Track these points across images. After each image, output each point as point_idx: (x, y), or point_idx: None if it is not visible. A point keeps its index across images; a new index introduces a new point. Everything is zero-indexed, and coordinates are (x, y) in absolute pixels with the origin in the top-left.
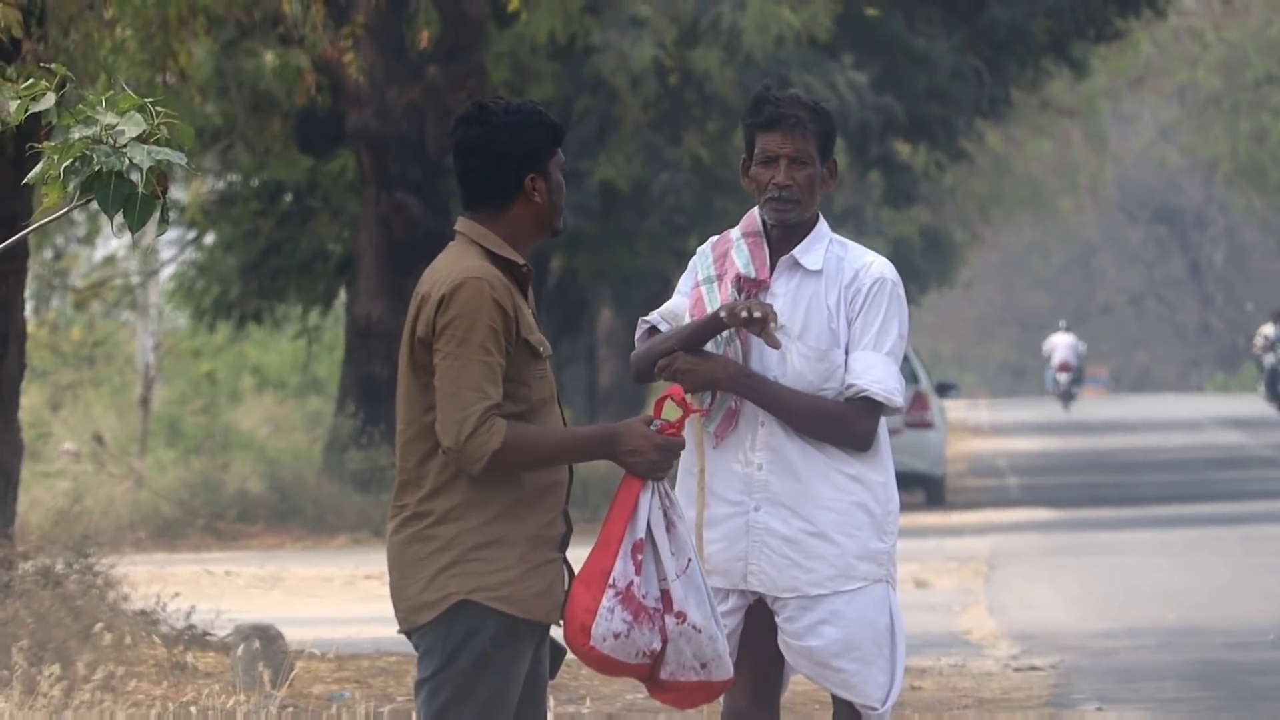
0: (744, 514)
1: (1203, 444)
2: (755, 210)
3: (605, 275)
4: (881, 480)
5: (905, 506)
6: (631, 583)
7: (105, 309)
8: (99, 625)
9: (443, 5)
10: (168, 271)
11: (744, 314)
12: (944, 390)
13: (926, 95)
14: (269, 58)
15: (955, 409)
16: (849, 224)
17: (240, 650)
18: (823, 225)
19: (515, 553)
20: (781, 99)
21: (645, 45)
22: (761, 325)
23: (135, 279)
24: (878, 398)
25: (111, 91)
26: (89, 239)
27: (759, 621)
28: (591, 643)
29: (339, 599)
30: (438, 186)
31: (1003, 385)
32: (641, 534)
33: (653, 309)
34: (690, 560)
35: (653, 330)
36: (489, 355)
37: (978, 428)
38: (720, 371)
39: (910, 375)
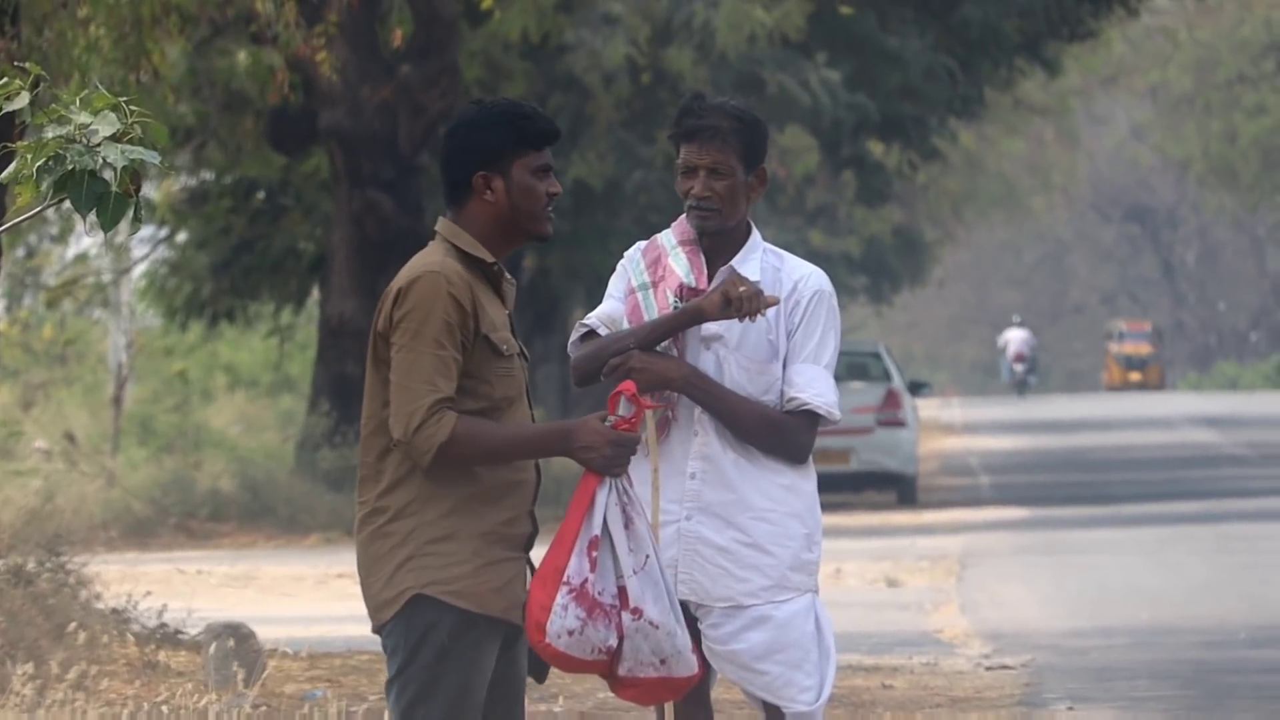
0: (675, 522)
1: (1175, 442)
2: (685, 218)
3: (578, 274)
4: (811, 490)
5: (877, 505)
6: (586, 580)
7: (77, 307)
8: (72, 624)
9: (415, 4)
10: (140, 270)
11: (738, 302)
12: (916, 389)
13: (899, 94)
14: (242, 56)
15: (927, 408)
16: (821, 223)
17: (213, 649)
18: (756, 235)
19: (469, 548)
20: (704, 109)
21: (618, 44)
22: (756, 305)
23: (107, 277)
24: (820, 411)
25: (85, 91)
26: (61, 237)
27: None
28: (547, 639)
29: (311, 598)
30: (410, 185)
31: (975, 384)
32: (597, 530)
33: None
34: (649, 556)
35: (590, 334)
36: (442, 349)
37: (950, 426)
38: (674, 371)
39: (882, 374)
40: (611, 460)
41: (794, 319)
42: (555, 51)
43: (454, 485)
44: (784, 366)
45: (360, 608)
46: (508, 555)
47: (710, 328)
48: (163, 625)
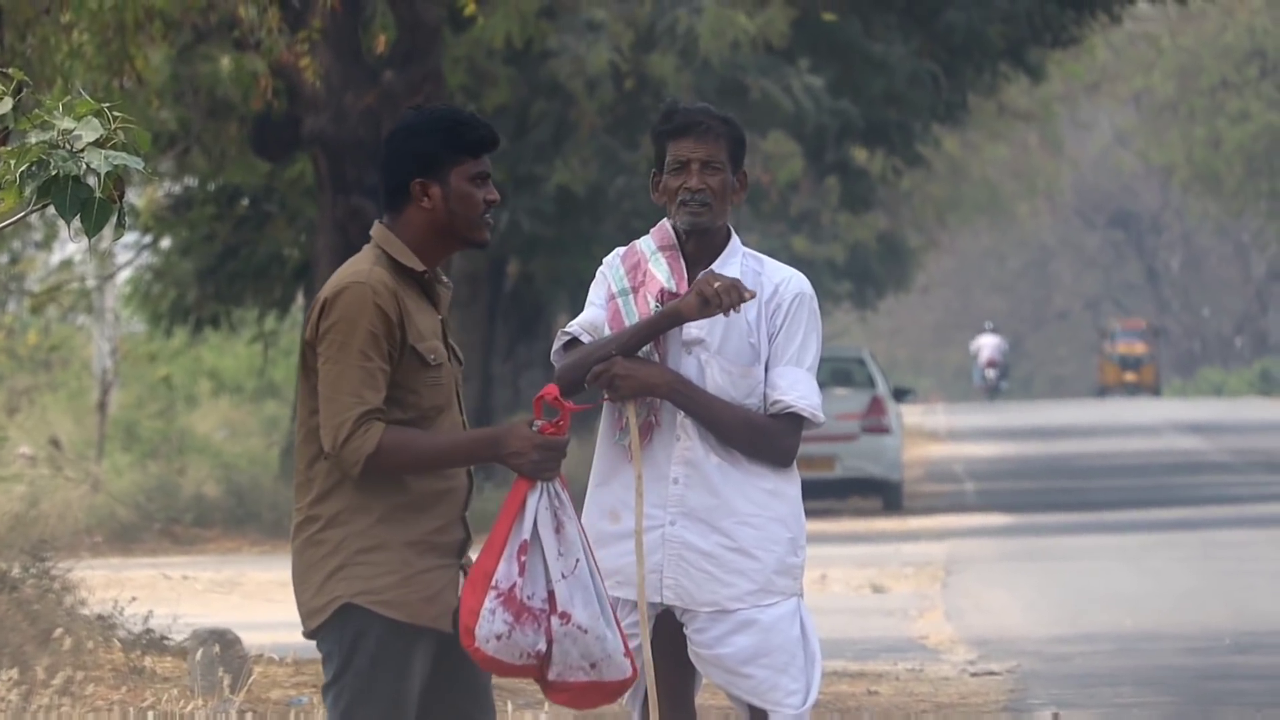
0: (659, 527)
1: (1159, 449)
2: (666, 222)
3: (562, 280)
4: (796, 494)
5: (862, 511)
6: (514, 584)
7: (62, 313)
8: (57, 630)
9: (399, 10)
10: (124, 276)
11: (716, 298)
12: (900, 395)
13: (883, 100)
14: (225, 62)
15: (912, 414)
16: (805, 229)
17: (198, 655)
18: (735, 240)
19: (398, 557)
20: (691, 109)
21: (601, 50)
22: (736, 298)
23: (91, 283)
24: (805, 414)
25: (68, 96)
26: (46, 243)
27: (666, 630)
28: (476, 644)
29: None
30: None
31: (959, 390)
32: (527, 535)
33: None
34: (579, 560)
35: (573, 342)
36: (368, 360)
37: (934, 433)
38: (658, 378)
39: (867, 380)
40: (539, 464)
41: (775, 322)
42: (539, 57)
43: (383, 494)
44: (766, 370)
45: None
46: (438, 563)
47: (691, 331)
48: (148, 631)
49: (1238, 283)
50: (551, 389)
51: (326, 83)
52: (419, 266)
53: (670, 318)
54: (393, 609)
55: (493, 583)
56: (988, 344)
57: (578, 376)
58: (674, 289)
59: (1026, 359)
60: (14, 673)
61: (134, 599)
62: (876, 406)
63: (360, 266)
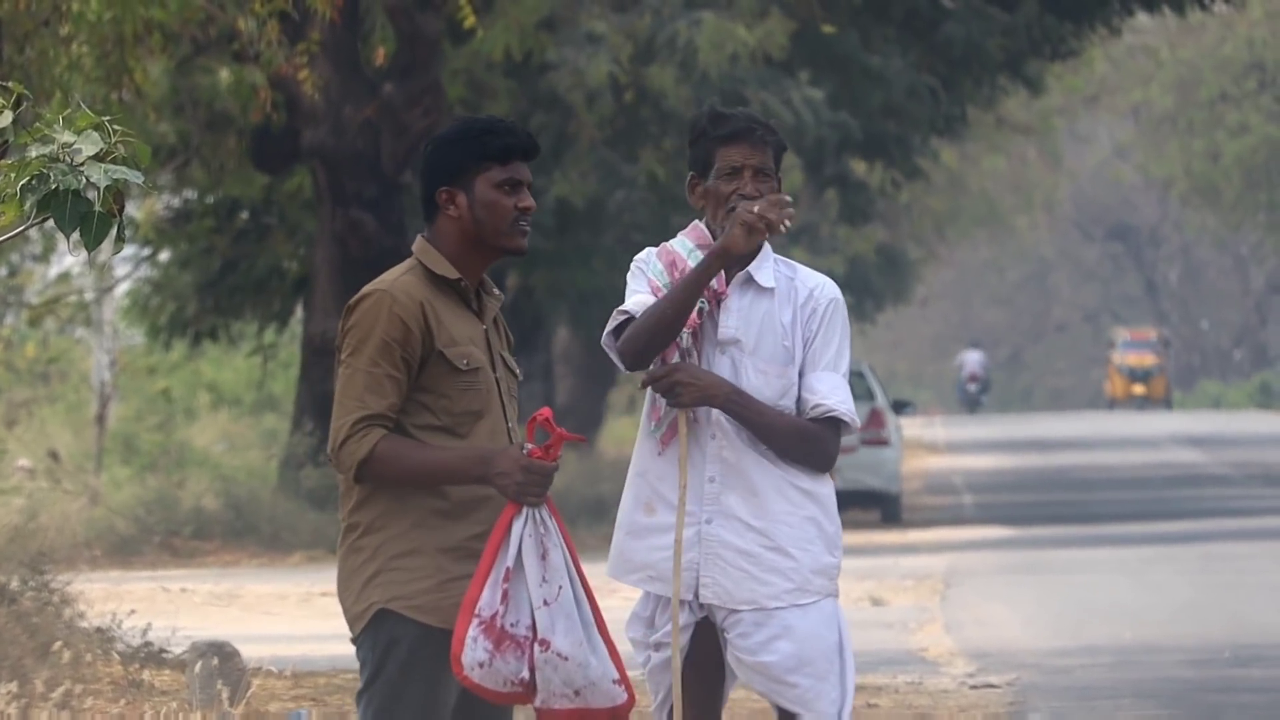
0: (694, 525)
1: (1159, 461)
2: (700, 224)
3: (561, 293)
4: (829, 493)
5: (861, 524)
6: (496, 613)
7: (60, 326)
8: (56, 643)
9: (398, 22)
10: (123, 288)
11: (761, 222)
12: (900, 408)
13: (882, 113)
14: (224, 75)
15: (911, 426)
16: (804, 241)
17: (197, 667)
18: (767, 245)
19: (432, 563)
20: (740, 114)
21: (601, 62)
22: (779, 213)
23: (90, 296)
24: (845, 418)
25: (68, 109)
26: (44, 256)
27: (705, 641)
28: (464, 672)
29: (295, 616)
30: (393, 204)
31: (958, 403)
32: (510, 562)
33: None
34: (562, 587)
35: (627, 323)
36: (376, 366)
37: (933, 445)
38: (717, 389)
39: (866, 392)
40: (524, 487)
41: (811, 326)
42: (538, 70)
43: (418, 500)
44: (801, 374)
45: (343, 626)
46: (474, 570)
47: (727, 332)
48: (147, 644)
49: (1236, 295)
50: (545, 412)
51: (325, 95)
52: (453, 275)
53: (719, 256)
54: (426, 614)
55: (476, 610)
56: (970, 359)
57: (643, 343)
58: (713, 286)
59: (1026, 371)
60: (13, 686)
61: (133, 612)
62: (875, 419)
63: (389, 275)
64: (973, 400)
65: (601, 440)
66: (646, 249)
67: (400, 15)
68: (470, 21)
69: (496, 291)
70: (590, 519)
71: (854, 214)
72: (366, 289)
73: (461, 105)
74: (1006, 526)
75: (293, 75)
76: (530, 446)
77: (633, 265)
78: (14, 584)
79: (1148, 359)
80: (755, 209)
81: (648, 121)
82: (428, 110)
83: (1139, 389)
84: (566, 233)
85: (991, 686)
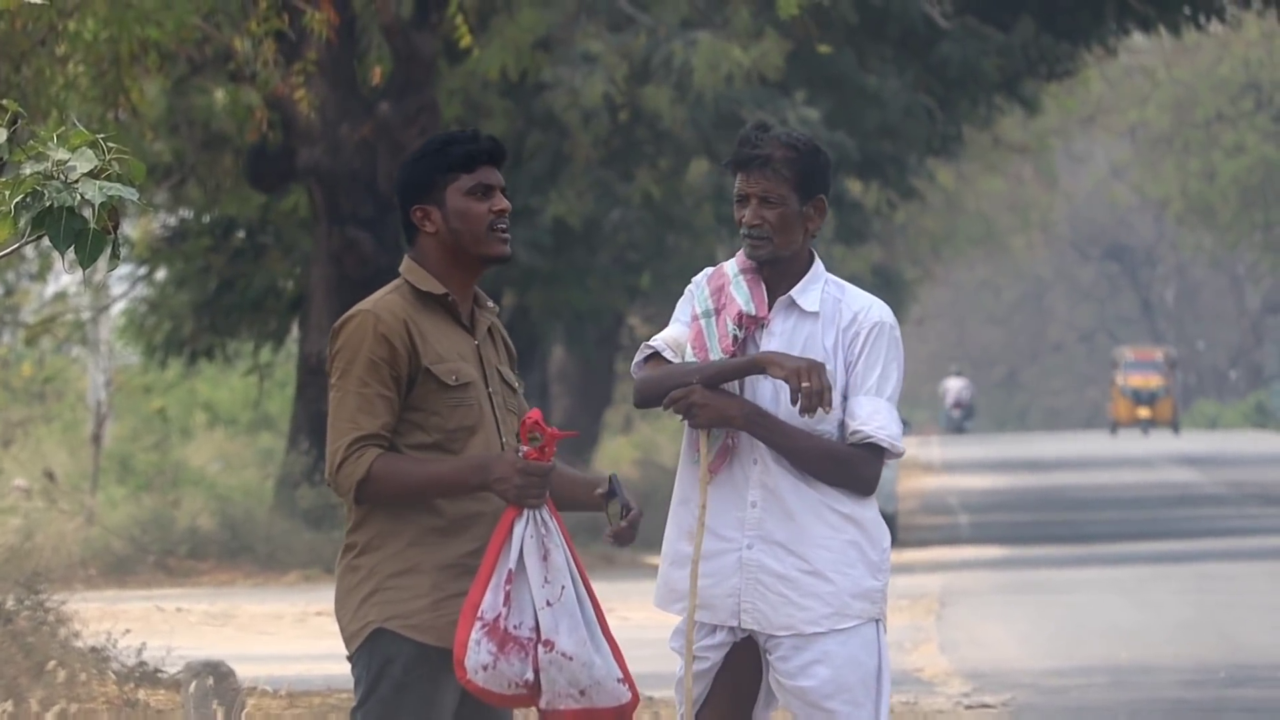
0: (736, 551)
1: (1154, 481)
2: None
3: (557, 312)
4: (873, 517)
5: None
6: (499, 615)
7: (56, 345)
8: (51, 662)
9: (394, 42)
10: (119, 307)
11: (805, 383)
12: None
13: (878, 133)
14: (220, 94)
15: (906, 446)
16: None
17: (192, 687)
18: (818, 265)
19: (428, 581)
20: (757, 139)
21: (596, 82)
22: (815, 402)
23: (86, 315)
24: (884, 444)
25: (63, 127)
26: (40, 275)
27: (741, 659)
28: (467, 676)
29: (290, 636)
30: (389, 223)
31: (944, 429)
32: (512, 564)
33: (605, 346)
34: (565, 587)
35: (654, 356)
36: (365, 387)
37: (929, 465)
38: (735, 410)
39: None
40: (523, 490)
41: (853, 350)
42: (534, 89)
43: (414, 518)
44: (845, 398)
45: (339, 645)
46: (468, 587)
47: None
48: (142, 663)
49: (1232, 315)
50: (534, 413)
51: (321, 115)
52: (439, 290)
53: (757, 367)
54: (422, 633)
55: (479, 613)
56: (954, 386)
57: (656, 394)
58: (752, 312)
59: (1022, 391)
60: (8, 705)
61: (128, 631)
62: None
63: (373, 296)
64: (957, 426)
65: (597, 460)
66: (706, 269)
67: (396, 35)
68: (466, 41)
69: (491, 304)
70: (586, 536)
71: (850, 234)
72: (351, 311)
73: (457, 124)
74: (1002, 546)
75: (289, 95)
76: (525, 449)
77: (689, 286)
78: (9, 603)
79: (1153, 380)
80: (810, 384)
81: (643, 141)
82: (424, 129)
83: (1144, 412)
84: (562, 252)
85: (987, 706)
